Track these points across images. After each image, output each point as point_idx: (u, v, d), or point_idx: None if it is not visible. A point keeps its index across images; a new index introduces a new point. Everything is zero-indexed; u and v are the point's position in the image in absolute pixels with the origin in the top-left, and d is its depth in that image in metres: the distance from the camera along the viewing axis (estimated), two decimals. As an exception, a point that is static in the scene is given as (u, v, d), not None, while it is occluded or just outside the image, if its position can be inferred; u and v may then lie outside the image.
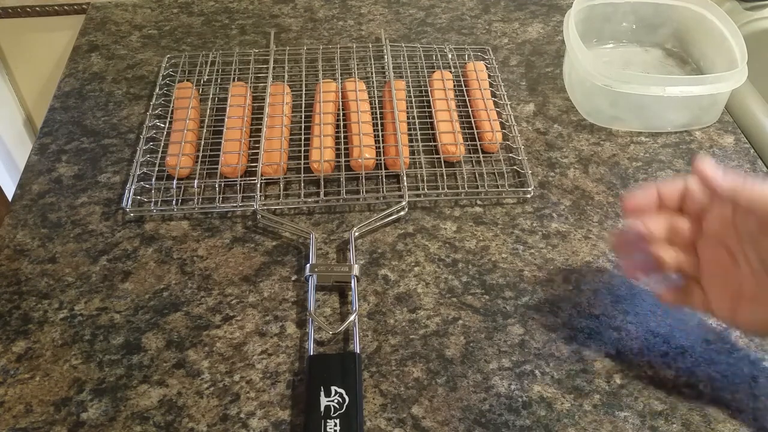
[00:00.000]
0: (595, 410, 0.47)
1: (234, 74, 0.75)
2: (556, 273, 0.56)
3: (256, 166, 0.62)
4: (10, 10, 0.90)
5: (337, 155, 0.64)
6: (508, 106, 0.70)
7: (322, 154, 0.63)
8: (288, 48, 0.79)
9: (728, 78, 0.65)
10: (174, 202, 0.61)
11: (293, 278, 0.55)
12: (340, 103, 0.70)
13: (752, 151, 0.68)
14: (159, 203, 0.60)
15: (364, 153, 0.63)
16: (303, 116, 0.69)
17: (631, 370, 0.49)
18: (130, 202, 0.60)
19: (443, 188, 0.62)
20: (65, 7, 0.90)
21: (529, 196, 0.62)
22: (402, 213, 0.60)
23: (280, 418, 0.46)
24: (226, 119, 0.67)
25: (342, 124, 0.68)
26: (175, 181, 0.62)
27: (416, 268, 0.56)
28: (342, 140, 0.66)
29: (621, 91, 0.66)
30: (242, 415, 0.46)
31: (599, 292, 0.54)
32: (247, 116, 0.68)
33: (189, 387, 0.48)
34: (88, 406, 0.46)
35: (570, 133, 0.70)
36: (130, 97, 0.73)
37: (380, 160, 0.64)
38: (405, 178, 0.62)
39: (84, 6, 0.89)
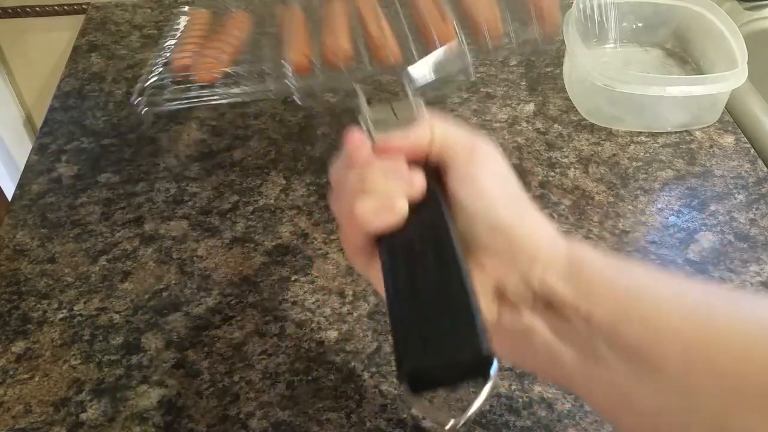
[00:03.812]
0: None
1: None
2: (556, 273, 0.56)
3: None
4: (9, 10, 0.90)
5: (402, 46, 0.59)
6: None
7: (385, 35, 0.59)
8: None
9: (728, 78, 0.65)
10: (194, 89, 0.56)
11: (293, 278, 0.55)
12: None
13: (752, 150, 0.68)
14: (176, 98, 0.56)
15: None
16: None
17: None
18: (145, 97, 0.56)
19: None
20: (65, 7, 0.90)
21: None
22: (465, 78, 0.56)
23: (280, 418, 0.46)
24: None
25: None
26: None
27: (416, 268, 0.56)
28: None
29: (621, 91, 0.66)
30: (242, 416, 0.46)
31: (599, 292, 0.54)
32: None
33: (188, 387, 0.48)
34: (87, 406, 0.46)
35: (570, 132, 0.70)
36: (130, 97, 0.73)
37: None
38: (462, 36, 0.57)
39: (84, 6, 0.89)
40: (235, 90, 0.54)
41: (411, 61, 0.54)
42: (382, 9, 0.63)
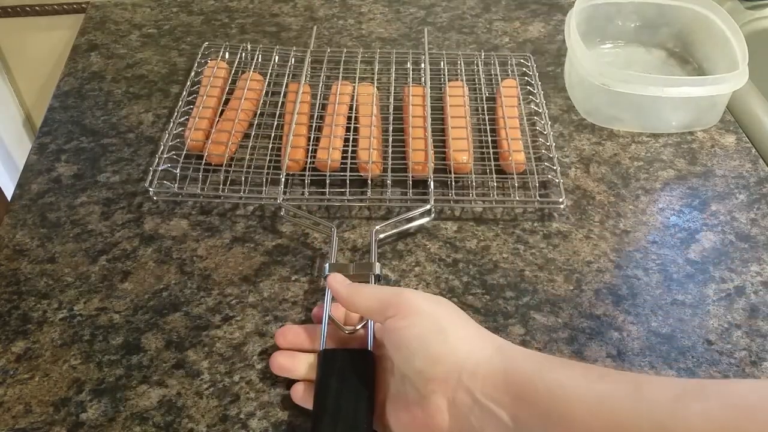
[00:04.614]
0: (596, 411, 0.46)
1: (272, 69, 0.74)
2: (557, 273, 0.56)
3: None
4: (9, 10, 0.90)
5: (385, 158, 0.63)
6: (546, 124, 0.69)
7: (371, 155, 0.62)
8: (329, 49, 0.78)
9: (728, 80, 0.65)
10: (200, 182, 0.61)
11: (293, 278, 0.55)
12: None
13: (754, 150, 0.68)
14: (185, 186, 0.61)
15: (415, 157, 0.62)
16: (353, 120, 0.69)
17: (633, 371, 0.49)
18: (155, 184, 0.61)
19: (471, 195, 0.61)
20: (64, 6, 0.90)
21: (561, 206, 0.61)
22: (427, 219, 0.58)
23: (280, 418, 0.46)
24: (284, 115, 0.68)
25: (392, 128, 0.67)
26: (202, 166, 0.62)
27: (417, 268, 0.56)
28: (391, 144, 0.65)
29: (620, 91, 0.66)
30: (242, 416, 0.46)
31: (600, 292, 0.54)
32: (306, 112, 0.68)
33: (189, 387, 0.47)
34: (87, 406, 0.46)
35: (571, 132, 0.69)
36: (129, 97, 0.73)
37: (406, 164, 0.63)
38: (432, 182, 0.60)
39: (83, 5, 0.89)
40: (233, 194, 0.61)
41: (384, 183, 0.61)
42: (377, 108, 0.68)
